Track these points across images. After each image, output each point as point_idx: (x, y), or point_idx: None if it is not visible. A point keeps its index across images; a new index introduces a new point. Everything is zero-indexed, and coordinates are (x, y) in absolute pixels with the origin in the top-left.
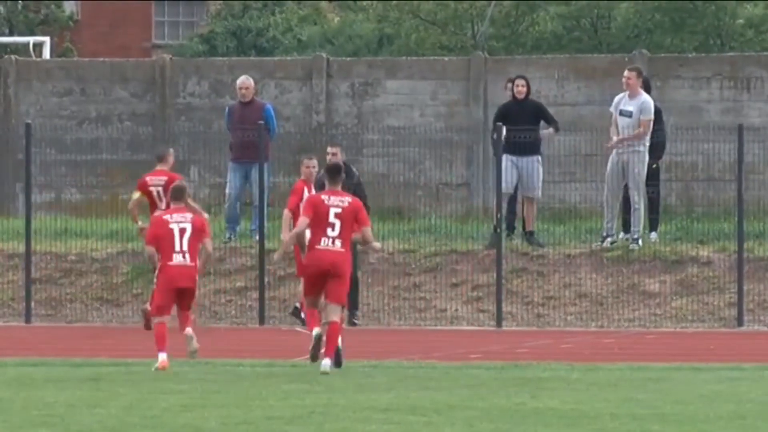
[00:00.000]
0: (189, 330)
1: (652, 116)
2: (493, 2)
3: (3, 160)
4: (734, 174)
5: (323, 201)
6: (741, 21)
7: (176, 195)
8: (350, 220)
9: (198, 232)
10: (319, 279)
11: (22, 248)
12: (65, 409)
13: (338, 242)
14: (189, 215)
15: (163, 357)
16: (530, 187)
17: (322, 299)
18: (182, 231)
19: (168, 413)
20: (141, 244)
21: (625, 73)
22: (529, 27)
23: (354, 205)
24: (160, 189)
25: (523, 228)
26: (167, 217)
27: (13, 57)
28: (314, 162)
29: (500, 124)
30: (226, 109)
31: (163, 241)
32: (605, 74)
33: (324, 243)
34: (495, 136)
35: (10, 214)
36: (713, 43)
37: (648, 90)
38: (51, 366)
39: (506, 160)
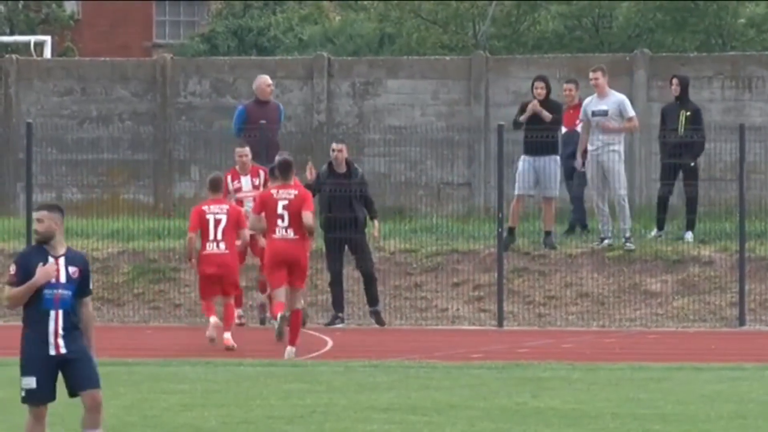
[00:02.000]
0: (227, 338)
1: (633, 112)
2: (495, 1)
3: (4, 160)
4: (736, 173)
5: (272, 195)
6: (742, 20)
7: (214, 186)
8: (299, 210)
9: (234, 222)
10: (279, 265)
11: (22, 248)
12: (65, 408)
13: (290, 231)
14: (225, 206)
15: (213, 319)
16: (548, 187)
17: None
18: (217, 222)
19: (168, 413)
20: (141, 243)
21: (591, 74)
22: (531, 26)
23: (300, 196)
24: None
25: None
26: (205, 207)
27: (14, 56)
28: (246, 150)
29: (502, 123)
30: (241, 108)
31: (202, 230)
32: (607, 74)
33: (278, 233)
34: (517, 117)
35: (11, 214)
36: (715, 42)
37: (686, 89)
38: None
39: (524, 161)
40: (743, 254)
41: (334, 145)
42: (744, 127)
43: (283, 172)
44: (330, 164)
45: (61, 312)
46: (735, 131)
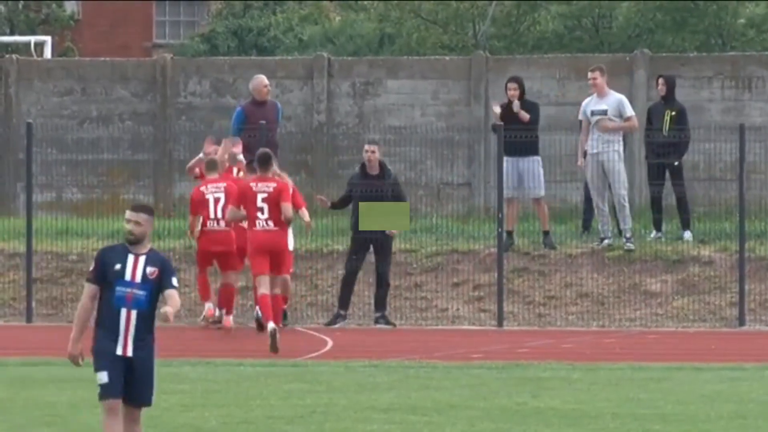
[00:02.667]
0: (228, 319)
1: (633, 112)
2: (494, 2)
3: (4, 160)
4: (736, 173)
5: (251, 188)
6: (742, 20)
7: (210, 166)
8: (277, 201)
9: (230, 197)
10: (262, 254)
11: (23, 248)
12: (66, 408)
13: (270, 222)
14: (222, 184)
15: (209, 306)
16: (534, 187)
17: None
18: (216, 200)
19: (168, 413)
20: None
21: (589, 74)
22: (531, 26)
23: (278, 188)
24: None
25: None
26: (203, 189)
27: (14, 56)
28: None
29: (501, 123)
30: (239, 109)
31: (202, 210)
32: (607, 74)
33: (259, 225)
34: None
35: (11, 214)
36: (714, 42)
37: (672, 89)
38: (52, 366)
39: (506, 162)
40: (743, 254)
41: (367, 146)
42: (744, 127)
43: (261, 164)
44: (363, 166)
45: (134, 312)
46: (735, 131)
